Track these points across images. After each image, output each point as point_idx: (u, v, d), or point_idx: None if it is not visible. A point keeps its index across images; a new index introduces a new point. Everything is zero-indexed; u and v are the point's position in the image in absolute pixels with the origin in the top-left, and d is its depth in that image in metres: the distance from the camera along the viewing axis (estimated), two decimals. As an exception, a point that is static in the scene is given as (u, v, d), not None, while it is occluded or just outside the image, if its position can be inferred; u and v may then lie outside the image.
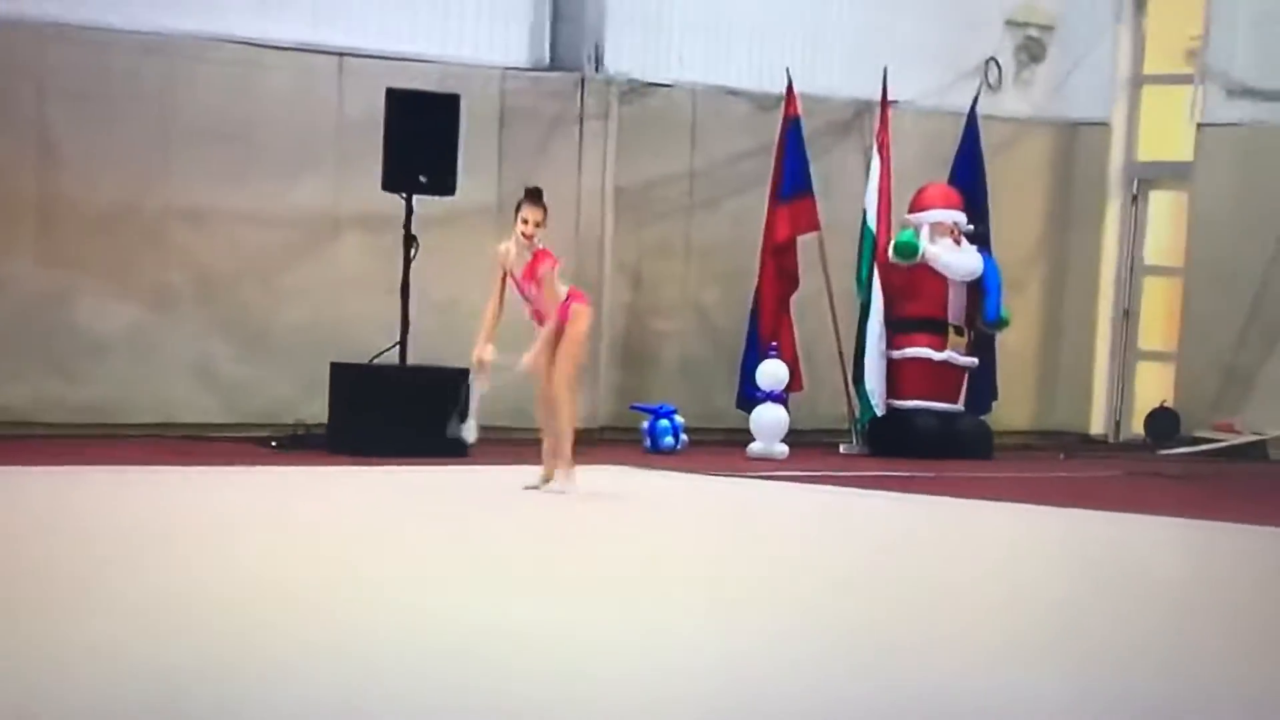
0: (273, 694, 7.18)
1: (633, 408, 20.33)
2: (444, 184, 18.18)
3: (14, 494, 14.32)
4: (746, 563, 12.44)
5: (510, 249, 14.38)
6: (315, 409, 18.78)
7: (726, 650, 8.51)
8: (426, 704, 7.20)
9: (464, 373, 15.43)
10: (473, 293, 19.67)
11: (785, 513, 15.77)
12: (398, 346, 18.29)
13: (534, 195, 14.44)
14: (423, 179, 18.05)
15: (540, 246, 14.33)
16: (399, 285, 17.98)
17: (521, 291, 14.44)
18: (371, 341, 18.58)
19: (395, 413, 18.00)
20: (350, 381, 18.45)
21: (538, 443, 14.77)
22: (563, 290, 14.52)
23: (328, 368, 18.61)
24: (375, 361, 18.48)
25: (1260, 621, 10.58)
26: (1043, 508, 16.11)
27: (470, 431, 14.93)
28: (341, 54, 19.79)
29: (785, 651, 8.84)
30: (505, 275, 14.44)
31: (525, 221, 14.27)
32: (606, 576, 11.24)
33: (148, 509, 13.72)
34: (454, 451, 16.07)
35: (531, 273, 14.28)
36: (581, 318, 14.62)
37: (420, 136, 18.38)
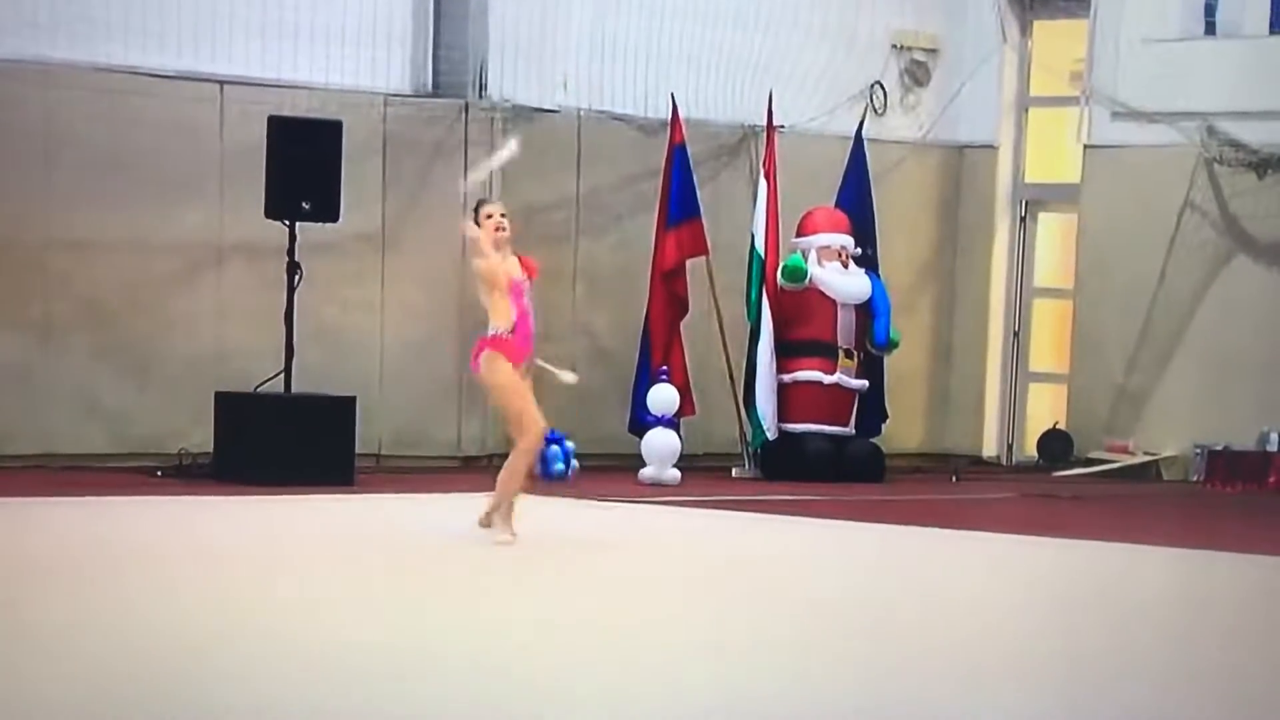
0: None
1: None
2: (327, 211, 18.22)
3: None
4: (641, 592, 12.46)
5: (497, 260, 13.10)
6: (200, 438, 18.78)
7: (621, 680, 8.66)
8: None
9: (351, 400, 15.51)
10: (357, 320, 19.83)
11: (677, 539, 15.78)
12: (282, 374, 18.25)
13: (486, 200, 13.72)
14: (305, 206, 18.05)
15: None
16: (282, 313, 17.93)
17: (522, 298, 13.22)
18: (256, 370, 18.56)
19: (281, 440, 18.13)
20: (235, 410, 18.46)
21: (425, 471, 14.66)
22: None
23: (212, 396, 18.59)
24: (260, 390, 18.47)
25: (1160, 641, 10.80)
26: (935, 530, 16.17)
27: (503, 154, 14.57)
28: (222, 82, 19.77)
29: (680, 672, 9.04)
30: (498, 274, 13.08)
31: (494, 221, 13.08)
32: (488, 606, 11.24)
33: (30, 541, 13.72)
34: (340, 480, 16.11)
35: (530, 274, 13.28)
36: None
37: (303, 164, 18.36)
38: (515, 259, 13.08)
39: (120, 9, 19.52)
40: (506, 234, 12.97)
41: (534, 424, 13.21)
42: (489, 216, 12.91)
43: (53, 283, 19.05)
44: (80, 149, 19.20)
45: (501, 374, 13.01)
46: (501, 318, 12.87)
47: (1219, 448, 22.23)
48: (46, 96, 19.05)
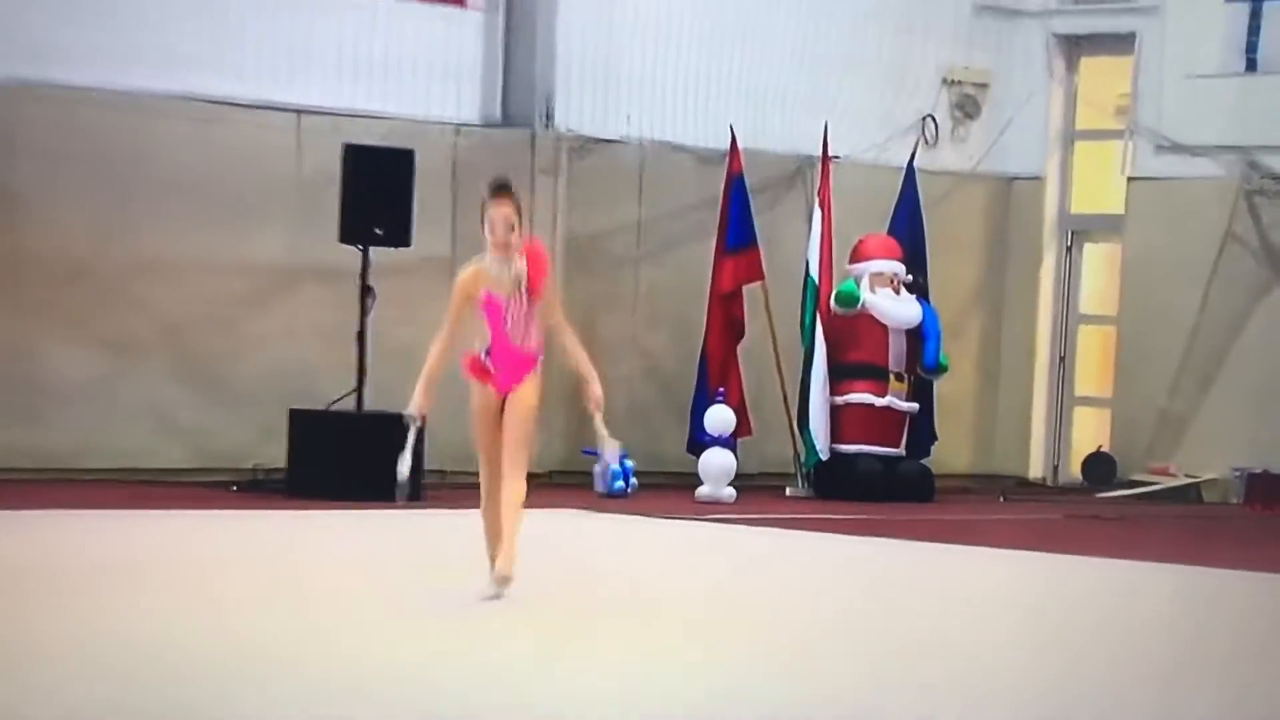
0: None
1: (584, 452, 20.04)
2: (399, 236, 18.28)
3: None
4: (700, 604, 12.42)
5: (479, 271, 10.51)
6: (274, 454, 18.72)
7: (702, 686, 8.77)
8: None
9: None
10: (427, 340, 19.90)
11: (734, 556, 15.71)
12: (355, 393, 18.30)
13: (501, 187, 10.52)
14: (378, 231, 18.12)
15: (526, 245, 10.56)
16: (355, 333, 18.05)
17: (499, 319, 10.46)
18: (329, 388, 18.56)
19: (352, 457, 17.97)
20: (308, 426, 18.43)
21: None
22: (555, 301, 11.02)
23: (286, 414, 18.57)
24: (332, 407, 18.45)
25: (1205, 660, 10.63)
26: (984, 549, 16.16)
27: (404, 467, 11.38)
28: (300, 111, 19.82)
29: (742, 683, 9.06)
30: (463, 306, 10.57)
31: (494, 228, 10.40)
32: (567, 621, 11.15)
33: (110, 553, 13.70)
34: (410, 495, 16.09)
35: (535, 288, 10.44)
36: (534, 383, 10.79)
37: (376, 190, 18.41)
38: (521, 268, 10.43)
39: (204, 42, 19.60)
40: (508, 252, 10.38)
41: (482, 466, 10.72)
42: (492, 229, 10.41)
43: (133, 304, 19.07)
44: (163, 175, 19.24)
45: (474, 402, 10.65)
46: (477, 338, 10.57)
47: (1258, 471, 22.03)
48: (133, 124, 19.12)
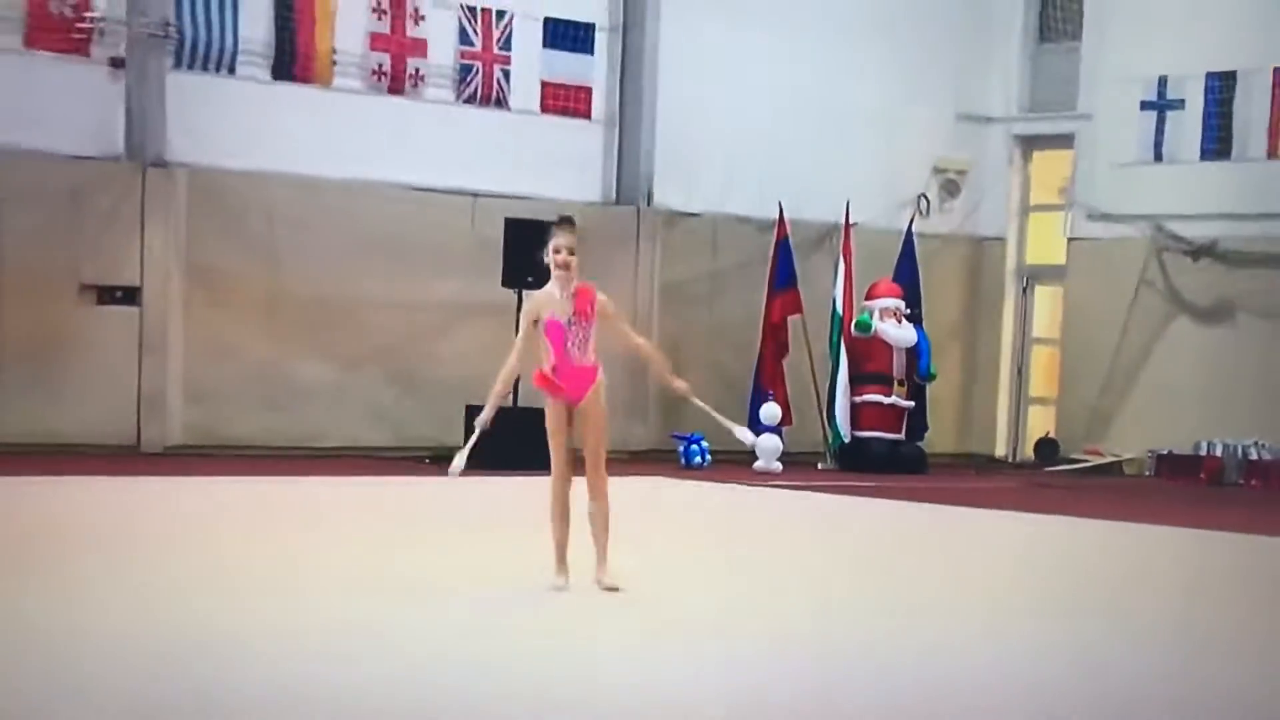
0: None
1: (672, 435, 20.36)
2: (542, 283, 17.81)
3: (250, 491, 14.67)
4: (763, 536, 12.77)
5: (542, 299, 9.09)
6: (454, 437, 17.72)
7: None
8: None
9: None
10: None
11: (782, 509, 15.64)
12: (511, 392, 18.13)
13: (565, 221, 9.18)
14: (529, 279, 15.92)
15: (579, 283, 9.00)
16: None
17: (561, 341, 8.98)
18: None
19: (509, 439, 16.57)
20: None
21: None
22: (619, 321, 9.28)
23: (463, 408, 18.20)
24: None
25: (1112, 587, 10.63)
26: (963, 508, 15.95)
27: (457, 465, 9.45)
28: (475, 194, 20.01)
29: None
30: (531, 332, 9.15)
31: (558, 251, 8.94)
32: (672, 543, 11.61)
33: (346, 501, 14.15)
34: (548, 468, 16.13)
35: (586, 314, 8.95)
36: (601, 390, 9.12)
37: (527, 251, 16.35)
38: (574, 294, 8.99)
39: (408, 144, 19.74)
40: (569, 270, 8.96)
41: (555, 471, 9.11)
42: (556, 251, 8.97)
43: (356, 329, 19.35)
44: (379, 238, 19.44)
45: (547, 412, 9.11)
46: (544, 358, 9.03)
47: (1165, 452, 22.08)
48: (358, 203, 19.36)
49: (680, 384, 9.29)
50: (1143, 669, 7.73)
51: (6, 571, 9.25)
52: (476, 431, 9.31)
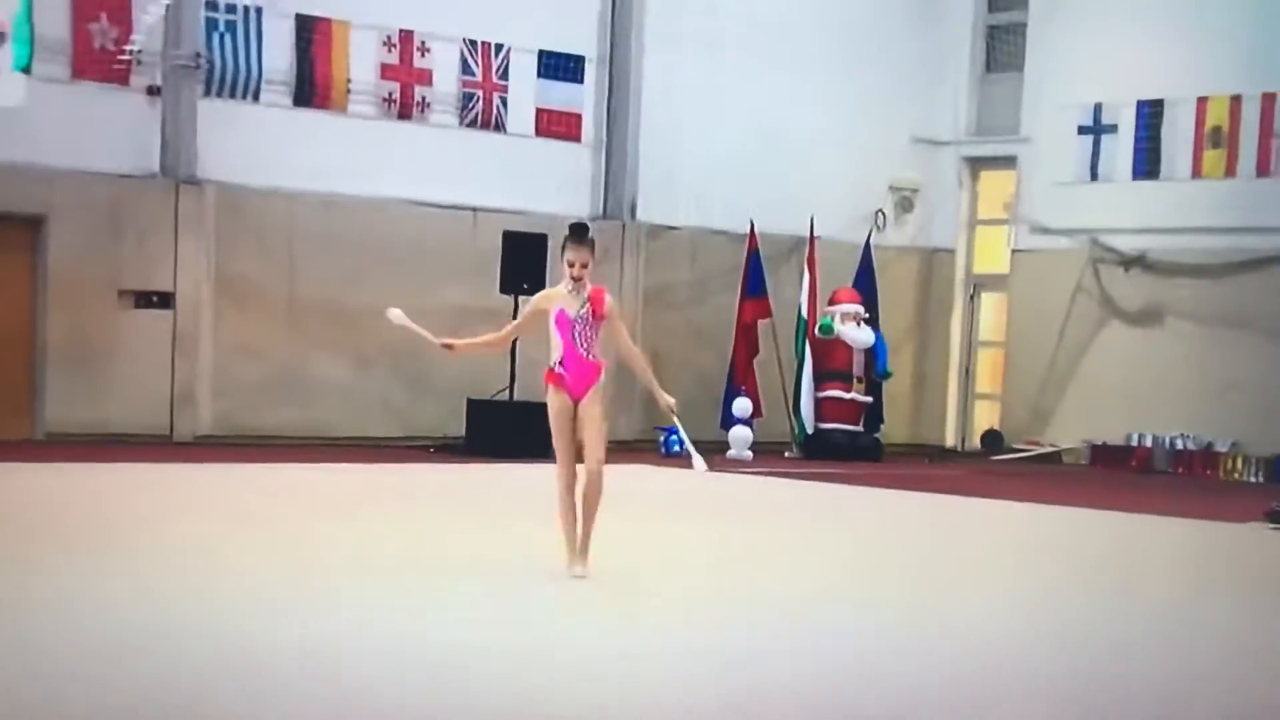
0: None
1: (655, 428, 20.27)
2: (537, 288, 16.72)
3: (270, 476, 14.70)
4: (730, 511, 12.99)
5: (554, 293, 8.91)
6: (457, 428, 18.98)
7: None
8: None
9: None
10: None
11: (756, 494, 15.66)
12: (507, 389, 18.44)
13: (579, 233, 8.87)
14: (525, 285, 17.80)
15: (592, 286, 8.85)
16: (509, 351, 17.67)
17: (569, 332, 8.75)
18: (492, 385, 18.64)
19: (507, 430, 17.88)
20: (479, 410, 18.55)
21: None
22: (622, 326, 8.97)
23: (465, 401, 18.76)
24: (495, 397, 18.55)
25: (1049, 555, 10.94)
26: (917, 492, 15.96)
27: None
28: (475, 209, 19.97)
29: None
30: (535, 321, 8.96)
31: (571, 265, 8.73)
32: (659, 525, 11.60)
33: (358, 486, 14.13)
34: (546, 456, 16.18)
35: (597, 312, 8.74)
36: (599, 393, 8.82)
37: (523, 260, 18.37)
38: (587, 296, 8.77)
39: (416, 166, 19.55)
40: (581, 283, 8.72)
41: (559, 467, 8.80)
42: (569, 264, 8.72)
43: (368, 332, 18.81)
44: (389, 249, 19.37)
45: (550, 406, 8.76)
46: (552, 350, 8.74)
47: (1099, 442, 22.08)
48: (369, 218, 19.28)
49: (666, 399, 8.87)
50: (1073, 629, 7.91)
51: (67, 543, 9.52)
52: (405, 321, 8.94)
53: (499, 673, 6.45)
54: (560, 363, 8.70)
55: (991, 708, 6.23)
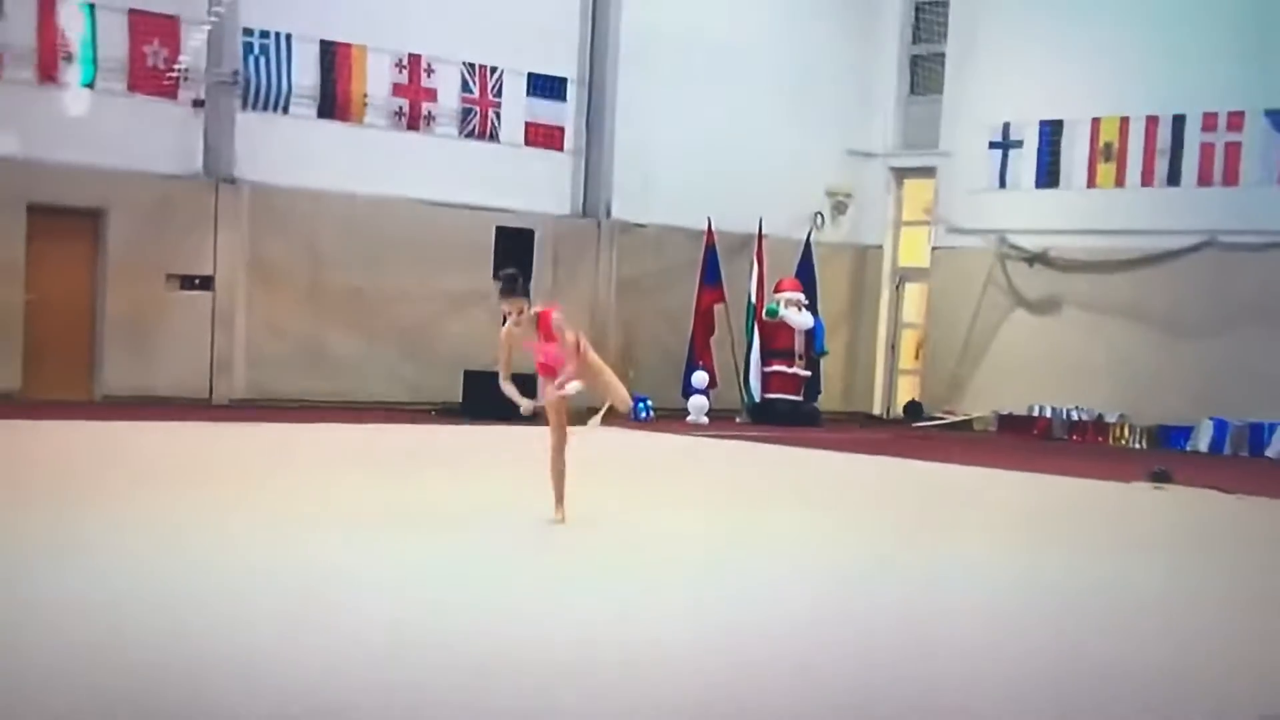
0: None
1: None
2: (527, 276, 17.65)
3: (295, 433, 14.84)
4: (697, 470, 13.07)
5: (511, 329, 8.83)
6: (455, 394, 19.04)
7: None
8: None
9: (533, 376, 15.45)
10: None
11: (711, 452, 15.75)
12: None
13: (509, 285, 8.87)
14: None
15: (540, 309, 8.96)
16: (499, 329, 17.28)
17: (535, 349, 9.02)
18: (485, 357, 16.87)
19: (498, 397, 17.27)
20: (474, 380, 18.39)
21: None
22: (570, 336, 8.99)
23: (462, 373, 18.84)
24: (487, 368, 16.36)
25: (960, 506, 11.12)
26: (849, 453, 16.06)
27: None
28: (470, 208, 19.84)
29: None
30: (509, 347, 8.99)
31: (507, 314, 8.83)
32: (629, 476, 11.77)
33: (370, 443, 14.19)
34: (526, 418, 15.89)
35: (546, 333, 8.85)
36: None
37: (514, 251, 18.45)
38: (535, 324, 8.80)
39: (419, 168, 19.47)
40: (518, 324, 8.71)
41: (551, 437, 9.24)
42: (505, 316, 8.75)
43: (379, 312, 19.30)
44: (397, 241, 19.35)
45: (542, 391, 9.09)
46: (536, 356, 8.86)
47: (1006, 412, 21.99)
48: (381, 215, 19.22)
49: (566, 388, 8.90)
50: (981, 574, 8.03)
51: (127, 491, 9.73)
52: (522, 403, 8.89)
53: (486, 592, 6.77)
54: (541, 364, 8.99)
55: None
